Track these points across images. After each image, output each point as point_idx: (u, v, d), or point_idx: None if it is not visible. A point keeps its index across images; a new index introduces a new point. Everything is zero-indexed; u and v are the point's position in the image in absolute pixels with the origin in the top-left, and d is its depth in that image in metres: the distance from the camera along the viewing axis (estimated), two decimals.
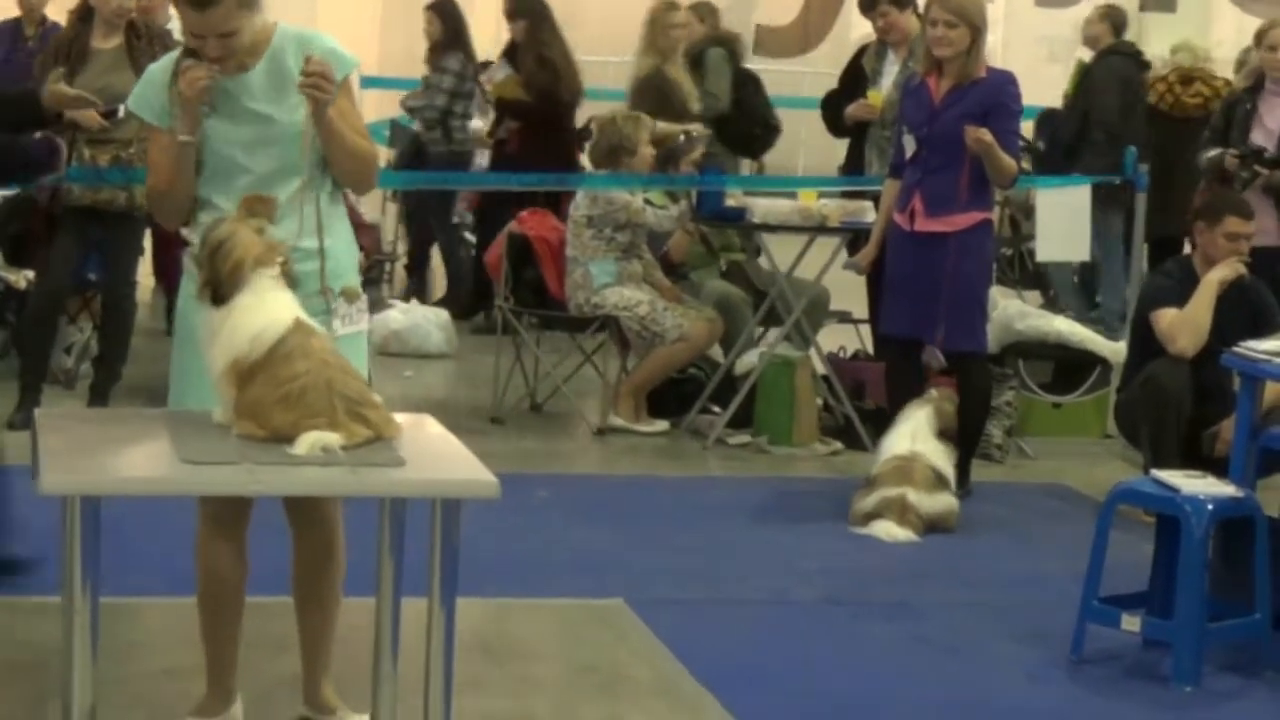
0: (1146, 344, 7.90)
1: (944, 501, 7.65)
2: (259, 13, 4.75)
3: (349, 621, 5.71)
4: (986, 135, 7.81)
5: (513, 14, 11.91)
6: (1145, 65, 12.28)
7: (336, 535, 4.98)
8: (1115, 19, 12.70)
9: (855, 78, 9.92)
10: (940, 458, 7.76)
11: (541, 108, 11.60)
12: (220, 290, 4.36)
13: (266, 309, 4.36)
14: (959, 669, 5.99)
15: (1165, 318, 7.78)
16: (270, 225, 4.50)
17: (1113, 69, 12.27)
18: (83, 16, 8.86)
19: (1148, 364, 7.82)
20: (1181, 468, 6.47)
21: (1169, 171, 10.89)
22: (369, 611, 4.71)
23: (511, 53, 12.03)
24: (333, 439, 4.18)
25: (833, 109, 10.07)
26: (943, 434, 7.82)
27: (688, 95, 10.85)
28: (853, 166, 10.08)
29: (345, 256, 4.90)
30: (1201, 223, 7.90)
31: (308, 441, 4.17)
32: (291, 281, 4.47)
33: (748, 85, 11.31)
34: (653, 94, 10.74)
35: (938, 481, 7.67)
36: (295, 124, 4.72)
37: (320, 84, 4.61)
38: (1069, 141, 12.16)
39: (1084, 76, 12.62)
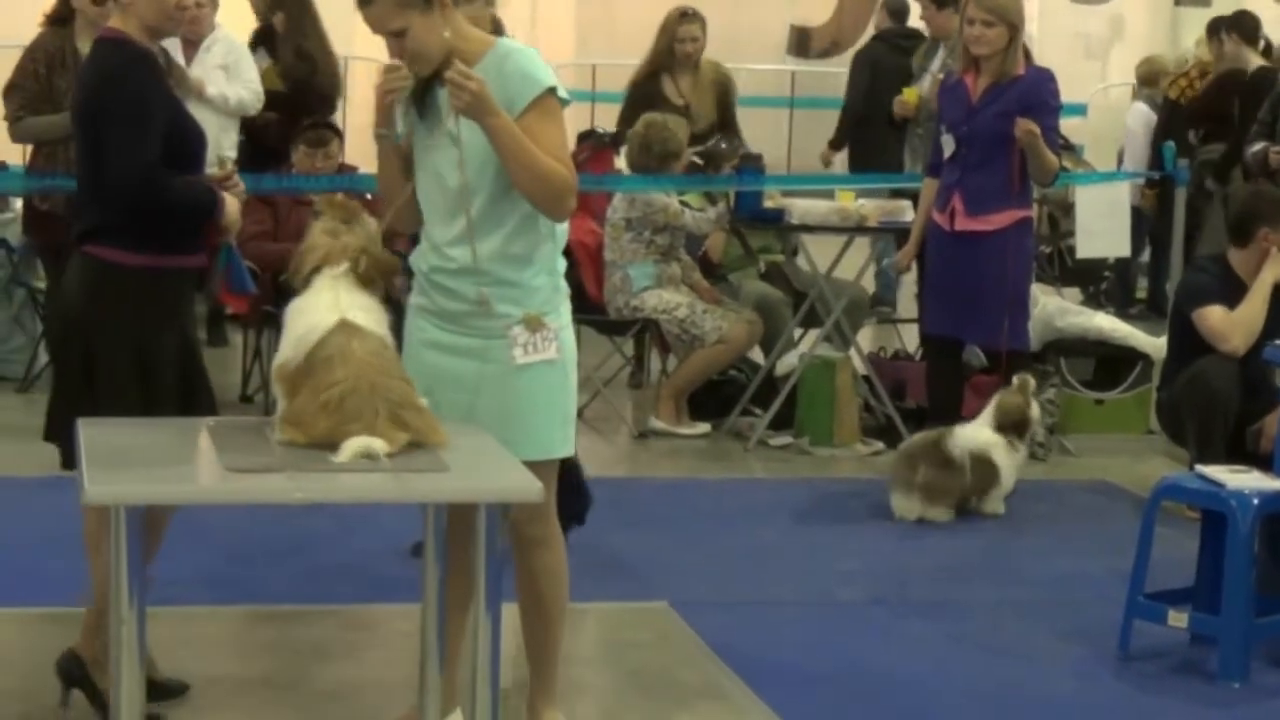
0: (1186, 340, 7.86)
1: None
2: (437, 18, 4.58)
3: (398, 628, 5.72)
4: (1035, 128, 7.80)
5: (274, 5, 11.75)
6: (906, 51, 11.81)
7: (543, 554, 4.91)
8: (891, 5, 12.63)
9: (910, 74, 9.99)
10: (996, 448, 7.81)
11: (299, 99, 11.38)
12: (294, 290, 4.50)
13: (312, 311, 4.39)
14: (1004, 667, 5.97)
15: (1213, 315, 7.71)
16: (346, 226, 4.53)
17: (866, 54, 12.12)
18: (59, 19, 8.62)
19: (1189, 360, 7.78)
20: (1225, 463, 6.44)
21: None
22: (417, 617, 4.71)
23: (268, 43, 11.82)
24: (378, 445, 4.17)
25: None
26: (1000, 428, 7.82)
27: None
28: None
29: (538, 287, 4.73)
30: (1265, 227, 7.79)
31: (351, 449, 4.16)
32: (366, 282, 4.48)
33: None
34: None
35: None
36: (483, 146, 4.61)
37: (454, 92, 4.49)
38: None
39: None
